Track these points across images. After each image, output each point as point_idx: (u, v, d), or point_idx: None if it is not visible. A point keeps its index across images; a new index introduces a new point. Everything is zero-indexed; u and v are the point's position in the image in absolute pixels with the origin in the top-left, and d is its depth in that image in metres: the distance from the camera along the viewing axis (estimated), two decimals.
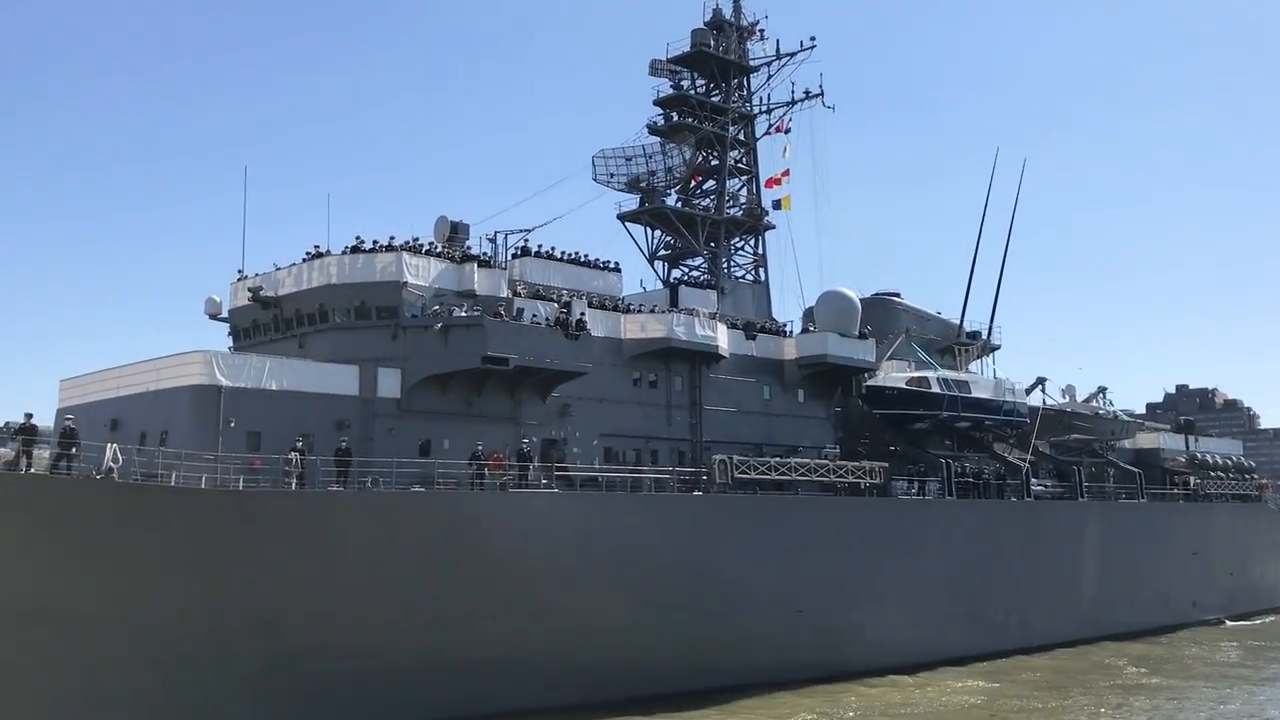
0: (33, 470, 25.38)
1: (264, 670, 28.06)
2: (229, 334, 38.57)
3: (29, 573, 24.66)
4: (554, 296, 38.90)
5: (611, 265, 43.83)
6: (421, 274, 35.02)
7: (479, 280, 36.11)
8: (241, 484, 27.85)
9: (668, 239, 50.40)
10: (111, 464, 25.72)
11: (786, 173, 52.43)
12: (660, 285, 49.48)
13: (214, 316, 38.73)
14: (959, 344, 57.08)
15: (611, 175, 48.59)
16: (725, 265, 51.26)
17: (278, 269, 36.71)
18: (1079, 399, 62.72)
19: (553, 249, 41.62)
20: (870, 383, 49.27)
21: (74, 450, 25.82)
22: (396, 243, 35.07)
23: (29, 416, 25.56)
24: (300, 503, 28.50)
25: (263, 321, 36.80)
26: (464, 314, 34.07)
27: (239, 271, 38.14)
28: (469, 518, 31.29)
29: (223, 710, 27.56)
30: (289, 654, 28.17)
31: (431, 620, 30.02)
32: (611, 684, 32.72)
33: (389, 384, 33.36)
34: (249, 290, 36.36)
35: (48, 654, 25.41)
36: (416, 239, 35.71)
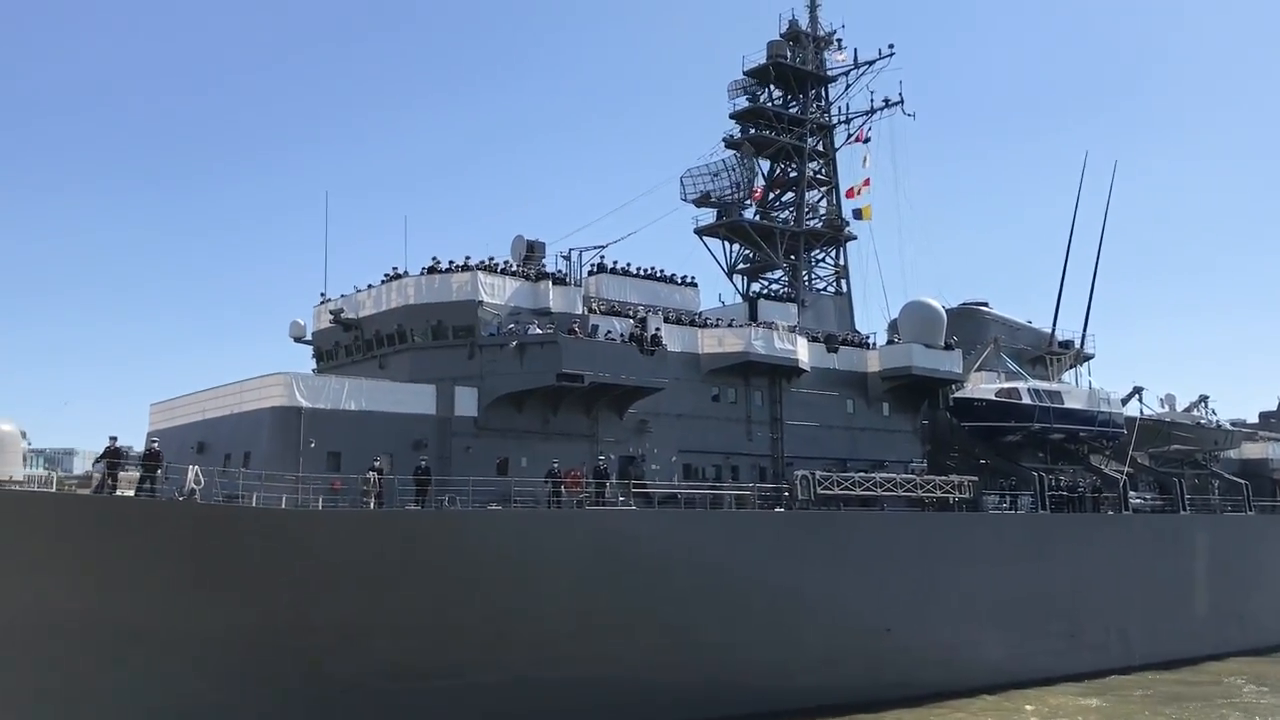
0: (118, 492, 25.92)
1: (348, 688, 28.26)
2: (313, 356, 39.23)
3: (123, 592, 25.10)
4: (630, 313, 38.75)
5: (689, 280, 43.54)
6: (497, 293, 35.20)
7: (554, 298, 36.19)
8: (321, 504, 28.11)
9: (746, 252, 49.94)
10: (194, 485, 26.19)
11: (867, 182, 51.61)
12: (739, 299, 49.00)
13: (299, 339, 39.46)
14: (1051, 354, 55.40)
15: (699, 191, 48.22)
16: (806, 278, 50.61)
17: (358, 291, 37.26)
18: (1179, 408, 60.44)
19: (628, 265, 41.49)
20: (958, 395, 48.17)
21: (158, 472, 26.31)
22: (472, 262, 35.27)
23: (114, 440, 26.17)
24: (378, 522, 28.67)
25: (345, 343, 37.36)
26: (539, 331, 34.08)
27: (321, 294, 38.87)
28: (546, 536, 31.18)
29: None
30: (371, 672, 28.34)
31: (510, 639, 29.94)
32: (692, 705, 32.28)
33: (466, 403, 33.53)
34: (330, 313, 36.94)
35: (144, 671, 25.85)
36: (492, 258, 35.93)
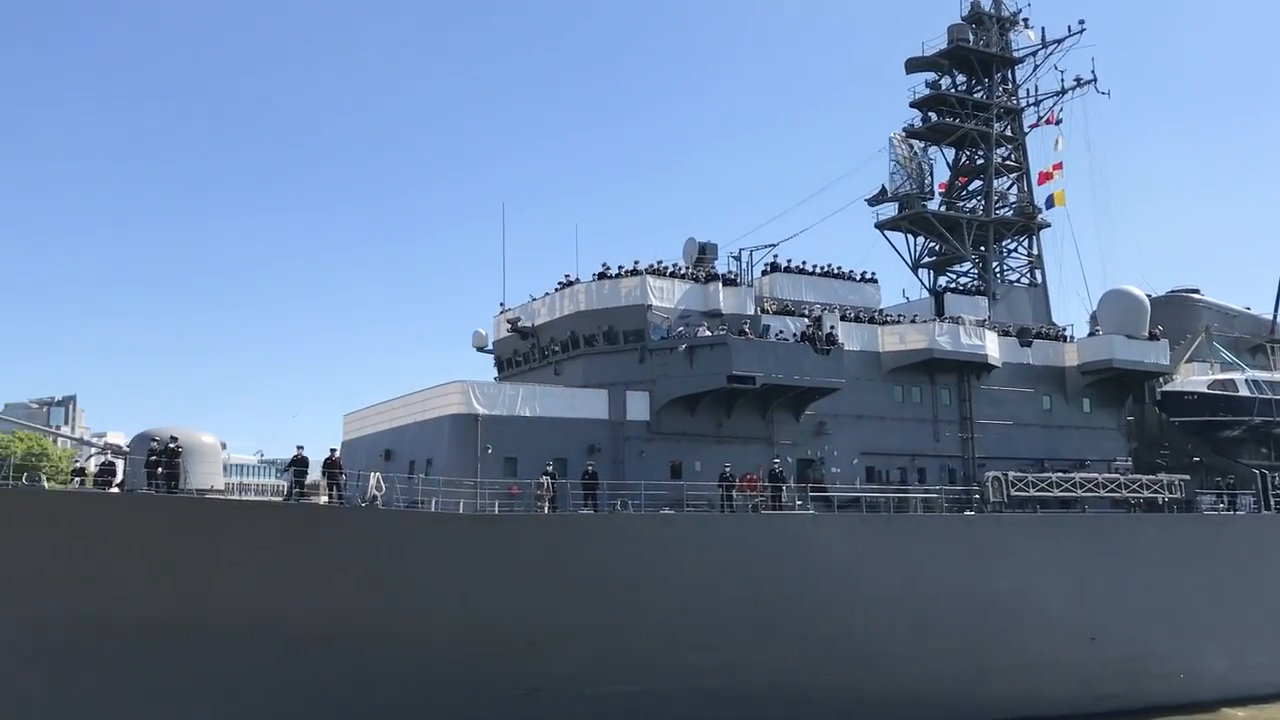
0: (304, 499, 27.08)
1: (525, 693, 28.62)
2: (495, 365, 40.18)
3: (306, 596, 26.16)
4: (805, 311, 37.87)
5: (869, 276, 42.24)
6: (666, 296, 35.07)
7: (724, 299, 35.77)
8: (497, 508, 28.59)
9: (932, 245, 48.07)
10: (375, 492, 27.11)
11: (1059, 166, 48.76)
12: (925, 294, 47.22)
13: (481, 349, 40.52)
14: (1272, 341, 50.97)
15: (892, 175, 46.27)
16: (996, 269, 48.28)
17: (533, 300, 37.92)
18: None
19: (803, 263, 40.58)
20: (1166, 388, 44.95)
21: (341, 479, 27.36)
22: (641, 267, 35.27)
23: (300, 449, 27.41)
24: (551, 526, 28.93)
25: (522, 351, 38.11)
26: (708, 334, 33.72)
27: (500, 305, 39.80)
28: (720, 541, 30.78)
29: None
30: (547, 677, 28.61)
31: (684, 646, 29.66)
32: (879, 715, 31.19)
33: (638, 407, 33.52)
34: (508, 322, 37.77)
35: (332, 670, 26.83)
36: (661, 262, 35.84)
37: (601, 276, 35.50)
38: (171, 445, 25.42)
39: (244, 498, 27.58)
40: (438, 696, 27.70)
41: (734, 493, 31.77)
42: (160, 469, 25.09)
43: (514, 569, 28.05)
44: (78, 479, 28.47)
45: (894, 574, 32.49)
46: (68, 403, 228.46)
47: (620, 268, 35.43)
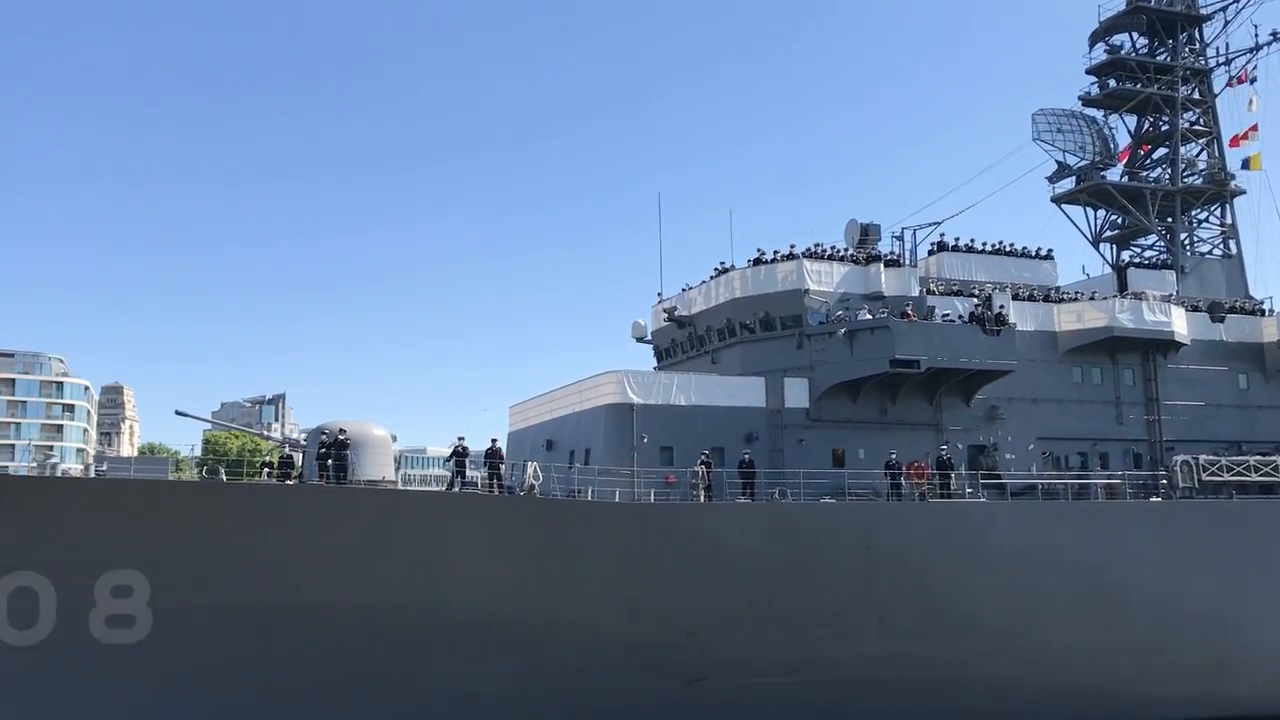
0: (464, 489, 27.54)
1: (688, 682, 28.41)
2: (654, 354, 40.14)
3: (469, 583, 26.65)
4: (974, 291, 36.29)
5: (1043, 253, 40.21)
6: (824, 279, 34.18)
7: (886, 280, 34.64)
8: (653, 497, 28.46)
9: (1114, 218, 45.38)
10: (533, 481, 27.39)
11: (1254, 128, 45.15)
12: (1107, 270, 44.63)
13: (640, 339, 40.55)
14: None
15: (1059, 131, 43.78)
16: (1185, 241, 45.19)
17: (688, 289, 37.65)
18: None
19: (972, 241, 38.91)
20: None
21: (502, 469, 27.74)
22: (798, 251, 34.49)
23: (461, 439, 27.91)
24: (705, 515, 28.62)
25: (680, 340, 37.90)
26: (869, 317, 32.69)
27: (658, 295, 39.69)
28: (885, 530, 29.86)
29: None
30: (710, 666, 28.33)
31: (851, 637, 28.91)
32: (1053, 711, 29.65)
33: (797, 394, 32.80)
34: (665, 311, 37.60)
35: (494, 656, 27.23)
36: (818, 245, 34.93)
37: (757, 262, 34.90)
38: (340, 438, 26.23)
39: (409, 488, 28.13)
40: (602, 685, 27.75)
41: (900, 481, 30.78)
42: (330, 460, 25.89)
43: (671, 558, 27.87)
44: (266, 471, 29.72)
45: (1073, 565, 30.82)
46: (277, 400, 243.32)
47: (776, 252, 34.73)
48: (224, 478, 26.07)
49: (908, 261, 35.74)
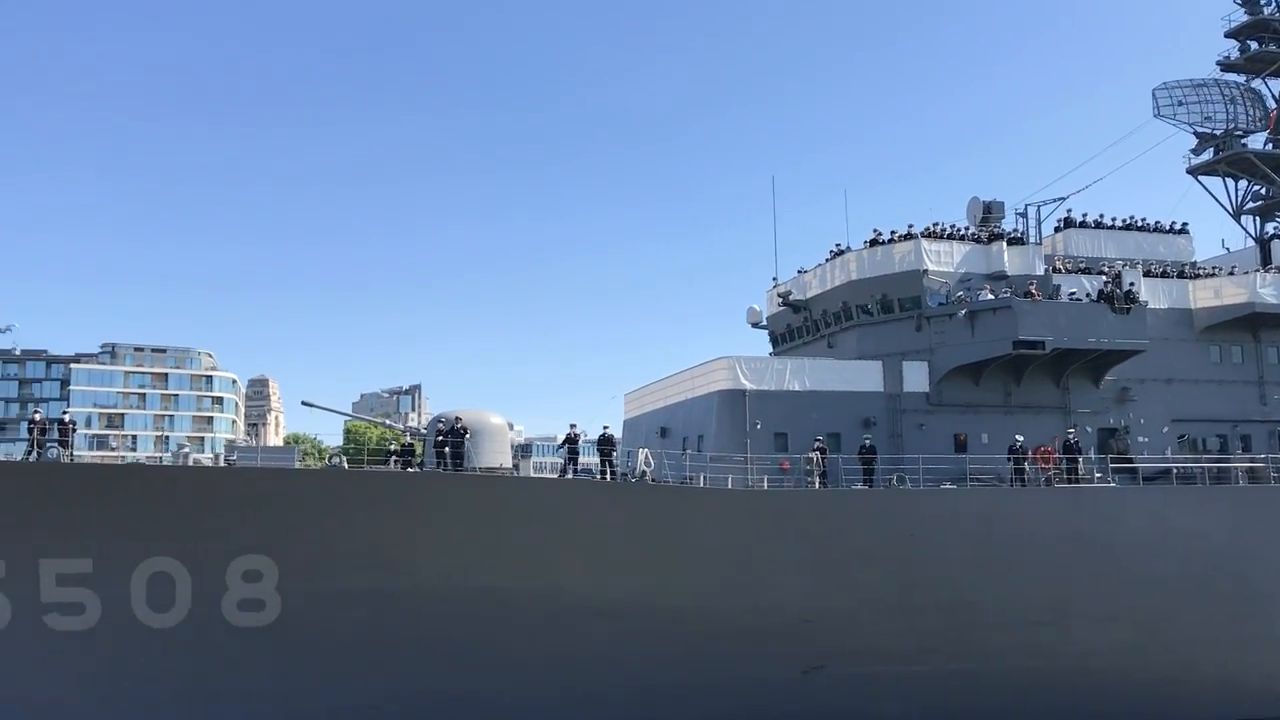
0: (568, 476, 27.74)
1: (805, 670, 28.12)
2: (769, 339, 39.74)
3: (582, 569, 26.85)
4: (1103, 269, 34.84)
5: (1178, 227, 38.36)
6: (944, 260, 33.27)
7: (1009, 259, 33.50)
8: (766, 484, 28.19)
9: (1256, 188, 43.01)
10: (644, 467, 27.40)
11: None
12: (1250, 243, 42.35)
13: (755, 325, 40.19)
14: None
15: (1181, 104, 41.84)
16: None
17: (803, 272, 37.11)
18: None
19: (1100, 217, 37.36)
20: None
21: (614, 456, 27.84)
22: (916, 230, 33.63)
23: (574, 427, 28.16)
24: (820, 502, 28.20)
25: (795, 325, 37.43)
26: (990, 297, 31.70)
27: (773, 279, 39.25)
28: (1008, 516, 28.95)
29: (765, 707, 28.03)
30: (826, 655, 27.99)
31: (973, 626, 28.17)
32: (1188, 705, 28.37)
33: (916, 378, 32.07)
34: (779, 296, 37.16)
35: (608, 641, 27.40)
36: (937, 224, 34.00)
37: (873, 243, 34.17)
38: (456, 426, 26.71)
39: (524, 475, 28.48)
40: (716, 671, 27.65)
41: (1025, 465, 29.81)
42: (447, 449, 26.37)
43: (785, 545, 27.57)
44: (393, 460, 30.42)
45: (1211, 552, 29.41)
46: (414, 390, 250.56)
47: (893, 233, 33.95)
48: (345, 465, 26.77)
49: (1032, 239, 34.48)
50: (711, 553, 27.31)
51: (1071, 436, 30.87)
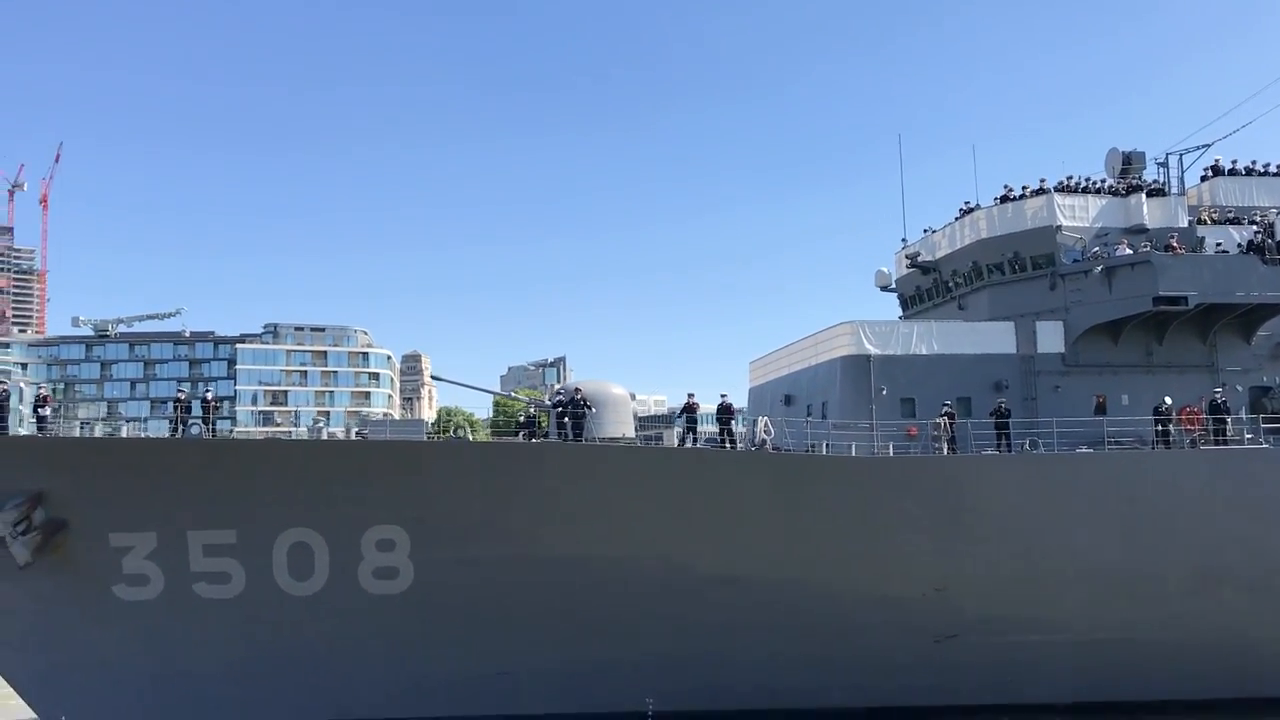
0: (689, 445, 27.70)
1: (937, 639, 27.61)
2: (898, 303, 38.88)
3: (705, 538, 26.92)
4: (1254, 218, 32.80)
5: None
6: (1078, 214, 31.86)
7: (1149, 211, 31.87)
8: (891, 450, 27.64)
9: None
10: (764, 435, 27.25)
11: None
12: None
13: (884, 288, 39.36)
14: None
15: None
16: None
17: (932, 232, 36.12)
18: None
19: (1252, 164, 35.13)
20: None
21: (732, 425, 27.73)
22: (1049, 184, 32.29)
23: (690, 395, 28.16)
24: (950, 468, 27.52)
25: (924, 287, 36.51)
26: (1128, 252, 30.23)
27: (902, 240, 38.32)
28: (1151, 480, 27.74)
29: (895, 680, 27.65)
30: (959, 624, 27.41)
31: (1112, 595, 27.17)
32: None
33: (1050, 338, 30.89)
34: (907, 257, 36.28)
35: (733, 610, 27.30)
36: (1070, 177, 32.57)
37: (1004, 199, 32.96)
38: (576, 397, 27.06)
39: (642, 445, 28.60)
40: (844, 640, 27.37)
41: (1169, 427, 28.44)
42: (567, 419, 26.75)
43: (914, 513, 27.04)
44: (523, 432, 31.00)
45: None
46: (559, 363, 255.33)
47: (1025, 188, 32.67)
48: (470, 438, 27.46)
49: (1174, 190, 32.71)
50: (836, 521, 26.98)
51: (1219, 396, 29.27)
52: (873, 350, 30.26)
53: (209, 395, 27.57)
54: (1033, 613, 27.44)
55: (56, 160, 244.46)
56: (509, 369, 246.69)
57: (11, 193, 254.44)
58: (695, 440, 27.51)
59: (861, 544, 26.99)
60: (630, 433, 29.11)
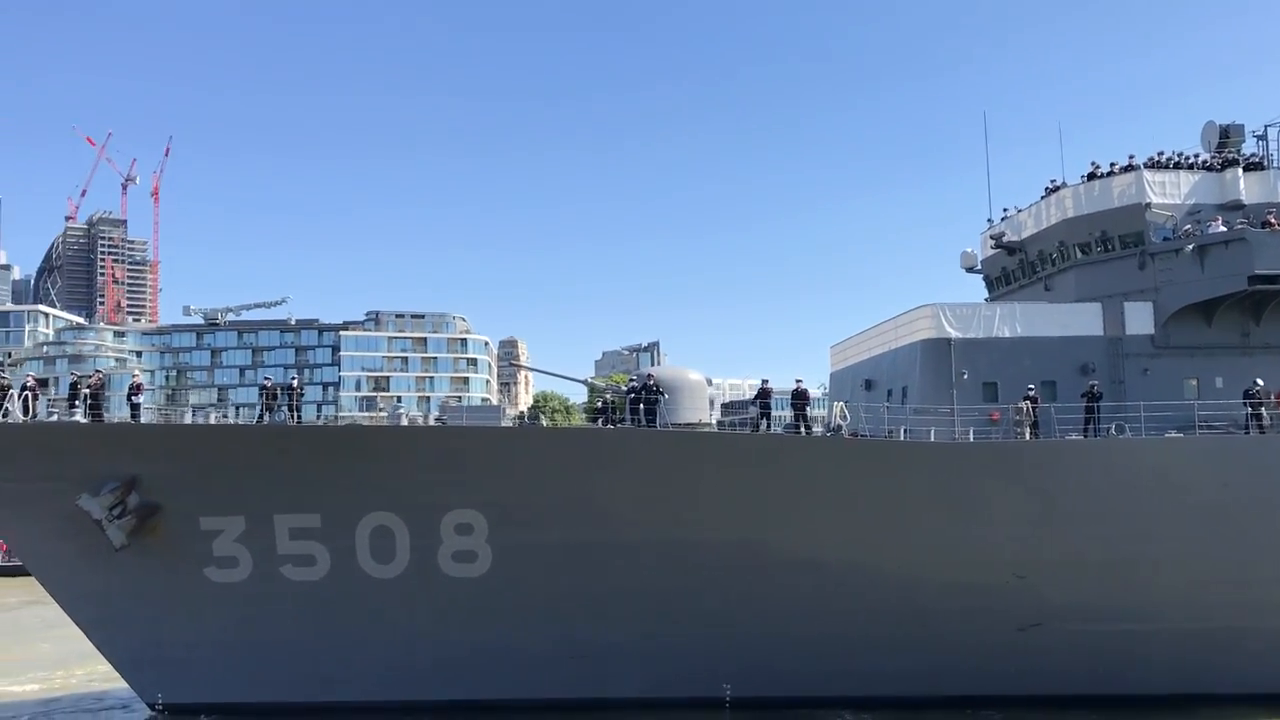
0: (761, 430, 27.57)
1: (1021, 628, 27.08)
2: (984, 284, 38.08)
3: (779, 524, 26.76)
4: None
5: None
6: (1169, 191, 30.80)
7: (1245, 187, 30.65)
8: (972, 435, 27.11)
9: None
10: (840, 421, 27.00)
11: None
12: None
13: (970, 269, 38.57)
14: None
15: None
16: None
17: (1018, 211, 35.24)
18: None
19: None
20: None
21: (806, 410, 27.52)
22: (1138, 161, 31.25)
23: (765, 381, 28.00)
24: (1032, 453, 26.89)
25: (1010, 268, 35.70)
26: (1222, 229, 29.10)
27: (988, 220, 37.51)
28: (1245, 466, 26.79)
29: (977, 668, 27.22)
30: (1043, 612, 26.86)
31: (1203, 582, 26.30)
32: None
33: (1139, 319, 29.95)
34: (991, 238, 35.49)
35: (812, 598, 27.13)
36: (1161, 153, 31.47)
37: (1091, 177, 32.01)
38: (649, 383, 27.16)
39: (720, 430, 28.56)
40: (924, 627, 27.01)
41: (1263, 411, 27.37)
42: (641, 405, 26.84)
43: (995, 499, 26.52)
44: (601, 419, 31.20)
45: None
46: (652, 348, 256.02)
47: (1113, 165, 31.67)
48: (544, 423, 27.73)
49: (1273, 164, 31.36)
50: (912, 507, 26.60)
51: None
52: (953, 333, 29.72)
53: (294, 382, 28.25)
54: (1122, 601, 26.73)
55: (166, 154, 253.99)
56: (603, 354, 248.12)
57: (124, 187, 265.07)
58: (769, 425, 27.35)
59: (939, 530, 26.57)
60: (707, 418, 29.09)
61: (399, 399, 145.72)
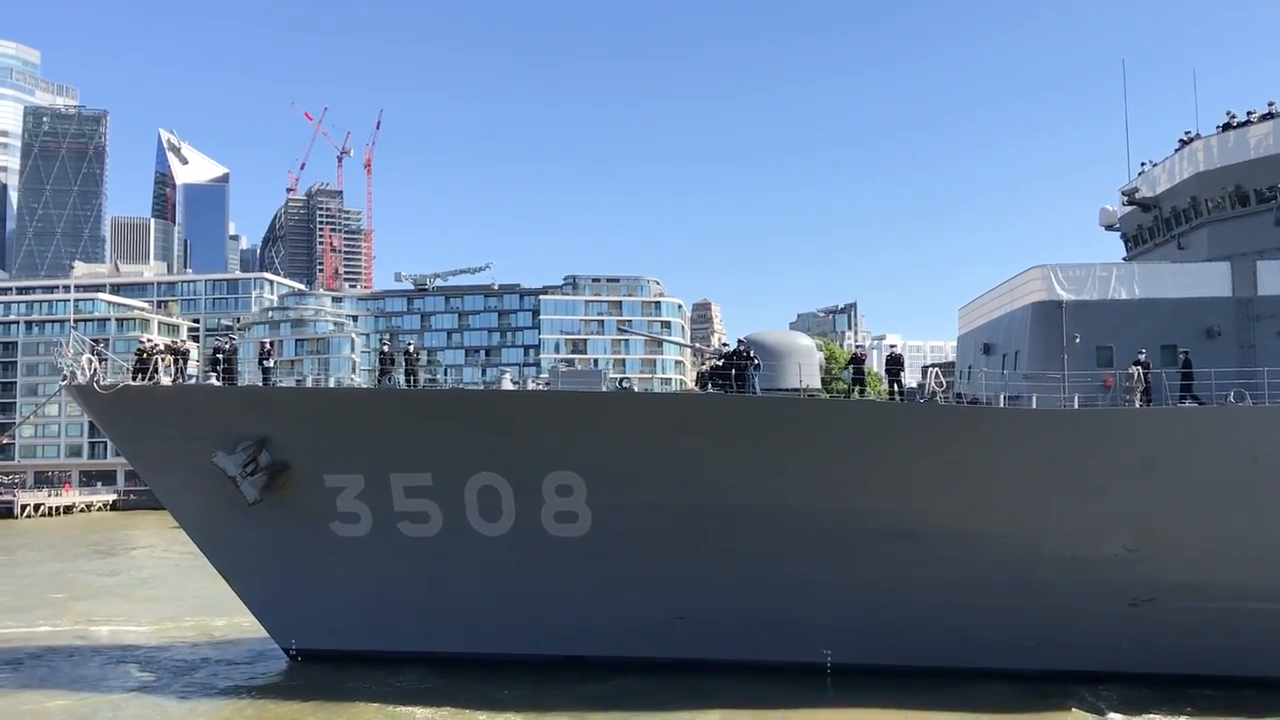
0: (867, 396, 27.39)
1: (1132, 603, 26.12)
2: (1122, 242, 36.21)
3: (877, 491, 26.57)
4: None
5: None
6: None
7: None
8: (1077, 402, 26.12)
9: None
10: (934, 387, 26.57)
11: None
12: None
13: (1109, 227, 36.71)
14: None
15: None
16: None
17: (1152, 165, 33.29)
18: None
19: None
20: None
21: (901, 375, 27.21)
22: (1278, 109, 29.03)
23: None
24: (1142, 422, 25.72)
25: (1146, 226, 33.82)
26: None
27: (1128, 176, 35.55)
28: None
29: (1086, 642, 26.45)
30: (1156, 587, 25.83)
31: None
32: None
33: (1274, 279, 27.93)
34: (1123, 194, 33.68)
35: (912, 567, 26.84)
36: None
37: (1226, 127, 29.94)
38: (741, 349, 27.43)
39: (819, 397, 28.53)
40: (1034, 600, 26.35)
41: None
42: (733, 371, 27.15)
43: (1103, 469, 25.58)
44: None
45: None
46: (849, 309, 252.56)
47: (1250, 113, 29.53)
48: (634, 388, 28.42)
49: None
50: (1014, 475, 25.94)
51: None
52: (1065, 296, 28.55)
53: (410, 348, 29.87)
54: (1243, 578, 25.42)
55: (378, 127, 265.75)
56: (798, 316, 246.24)
57: (340, 159, 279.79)
58: (901, 392, 27.16)
59: (1041, 499, 25.89)
60: (815, 383, 29.10)
61: (595, 361, 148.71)
